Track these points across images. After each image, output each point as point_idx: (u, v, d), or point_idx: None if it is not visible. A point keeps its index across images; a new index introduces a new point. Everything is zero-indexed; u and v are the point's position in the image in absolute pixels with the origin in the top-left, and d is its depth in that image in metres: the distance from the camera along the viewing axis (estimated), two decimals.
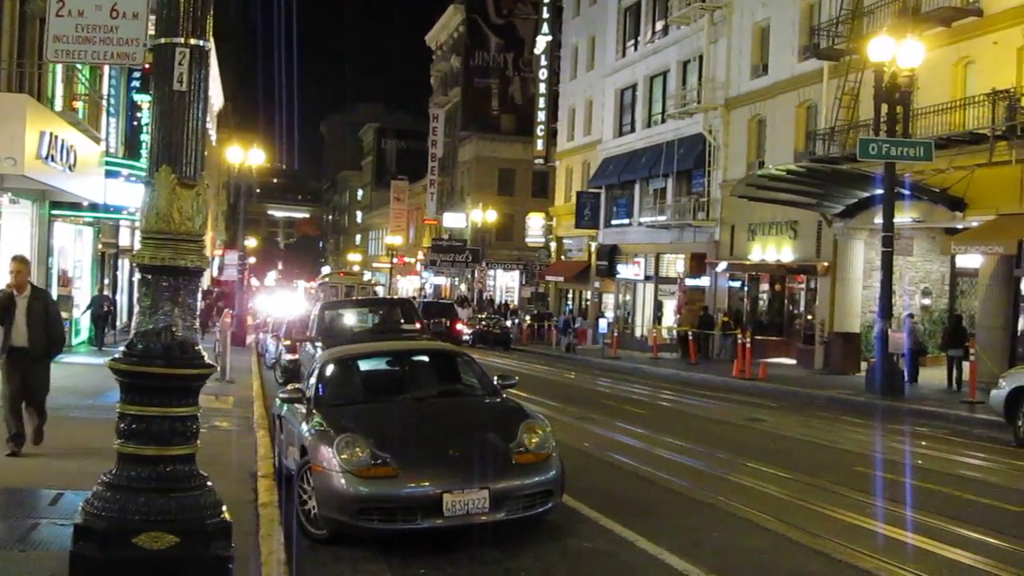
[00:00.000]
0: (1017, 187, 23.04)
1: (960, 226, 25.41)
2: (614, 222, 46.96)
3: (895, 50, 22.03)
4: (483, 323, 46.40)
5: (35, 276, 21.27)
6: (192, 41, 5.87)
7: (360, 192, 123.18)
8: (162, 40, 5.89)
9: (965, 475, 12.81)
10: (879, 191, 24.07)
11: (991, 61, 24.06)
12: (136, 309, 6.09)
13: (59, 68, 21.46)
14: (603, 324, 43.96)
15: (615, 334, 39.87)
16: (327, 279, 62.45)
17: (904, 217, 25.55)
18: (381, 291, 75.13)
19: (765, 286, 36.49)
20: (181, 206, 5.88)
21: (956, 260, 29.22)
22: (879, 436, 16.76)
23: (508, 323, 48.97)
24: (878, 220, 24.27)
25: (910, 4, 26.68)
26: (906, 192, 24.75)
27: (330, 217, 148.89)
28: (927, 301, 30.56)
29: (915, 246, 27.34)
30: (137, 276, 6.19)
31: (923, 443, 15.74)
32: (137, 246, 6.15)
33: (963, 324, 24.95)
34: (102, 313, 26.24)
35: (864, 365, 26.29)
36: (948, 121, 24.68)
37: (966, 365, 22.66)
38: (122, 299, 33.85)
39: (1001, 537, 8.94)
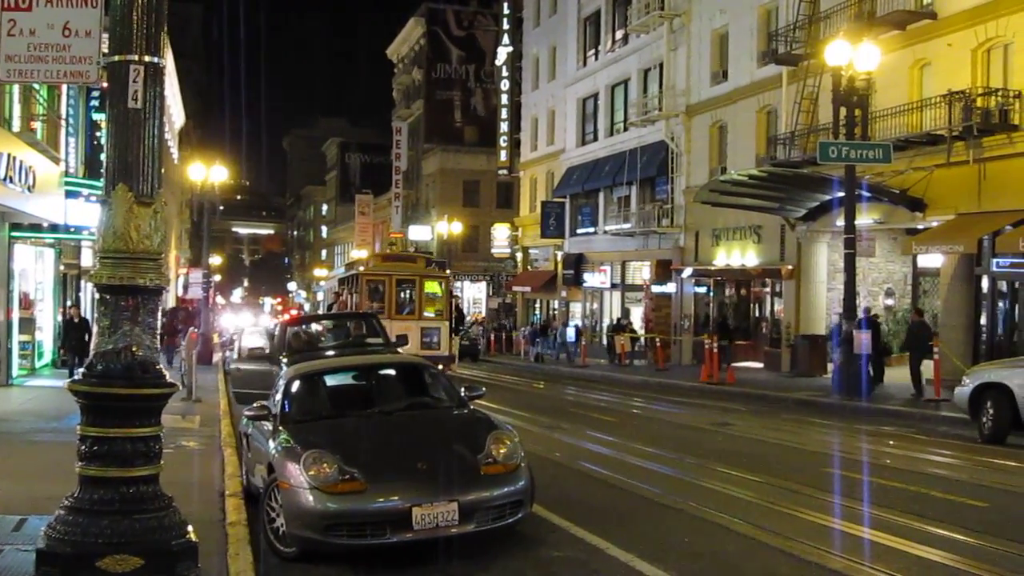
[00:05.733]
0: (975, 187, 23.34)
1: (921, 226, 25.69)
2: (579, 231, 47.08)
3: (852, 54, 22.25)
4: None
5: None
6: (146, 58, 5.83)
7: (325, 207, 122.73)
8: (115, 58, 5.85)
9: (932, 473, 12.92)
10: (840, 194, 24.26)
11: (946, 63, 24.36)
12: (95, 329, 6.03)
13: (16, 88, 21.23)
14: (570, 332, 43.99)
15: (583, 343, 39.98)
16: (361, 266, 31.60)
17: (865, 219, 25.80)
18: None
19: (731, 291, 36.71)
20: (139, 224, 5.83)
21: (918, 260, 29.50)
22: (847, 437, 16.87)
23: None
24: (840, 222, 24.46)
25: (865, 8, 26.99)
26: (866, 194, 25.02)
27: (295, 233, 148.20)
28: (891, 301, 30.84)
29: (877, 247, 27.58)
30: (97, 296, 6.12)
31: (890, 442, 15.87)
32: (97, 266, 6.08)
33: None
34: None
35: (831, 367, 26.49)
36: (906, 123, 24.96)
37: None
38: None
39: (968, 533, 9.01)
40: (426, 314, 27.71)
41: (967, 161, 23.40)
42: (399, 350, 14.48)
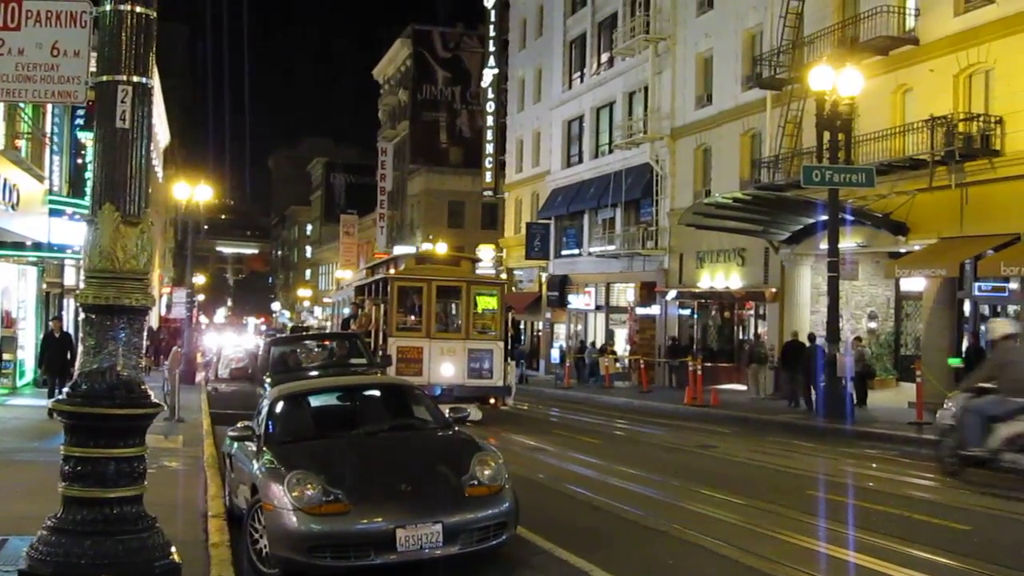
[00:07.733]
0: (957, 211, 23.50)
1: (903, 250, 25.83)
2: (564, 252, 47.14)
3: (835, 79, 22.44)
4: None
5: None
6: (134, 78, 5.84)
7: (309, 227, 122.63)
8: (104, 78, 5.86)
9: (915, 496, 12.95)
10: (823, 217, 24.41)
11: (928, 88, 24.57)
12: (80, 349, 6.02)
13: (0, 106, 21.20)
14: (554, 354, 44.03)
15: (568, 364, 39.98)
16: (391, 268, 23.96)
17: (849, 242, 25.93)
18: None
19: (715, 313, 36.79)
20: (125, 244, 5.82)
21: (900, 284, 29.65)
22: (830, 459, 16.90)
23: None
24: (823, 246, 24.60)
25: (849, 34, 27.22)
26: (850, 217, 25.17)
27: (279, 252, 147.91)
28: (873, 324, 30.96)
29: (860, 271, 27.73)
30: (82, 316, 6.11)
31: (873, 465, 15.91)
32: (82, 285, 6.08)
33: None
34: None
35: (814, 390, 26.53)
36: (889, 147, 25.14)
37: None
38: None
39: (952, 556, 9.02)
40: (476, 332, 21.94)
41: (949, 186, 23.57)
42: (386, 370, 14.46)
